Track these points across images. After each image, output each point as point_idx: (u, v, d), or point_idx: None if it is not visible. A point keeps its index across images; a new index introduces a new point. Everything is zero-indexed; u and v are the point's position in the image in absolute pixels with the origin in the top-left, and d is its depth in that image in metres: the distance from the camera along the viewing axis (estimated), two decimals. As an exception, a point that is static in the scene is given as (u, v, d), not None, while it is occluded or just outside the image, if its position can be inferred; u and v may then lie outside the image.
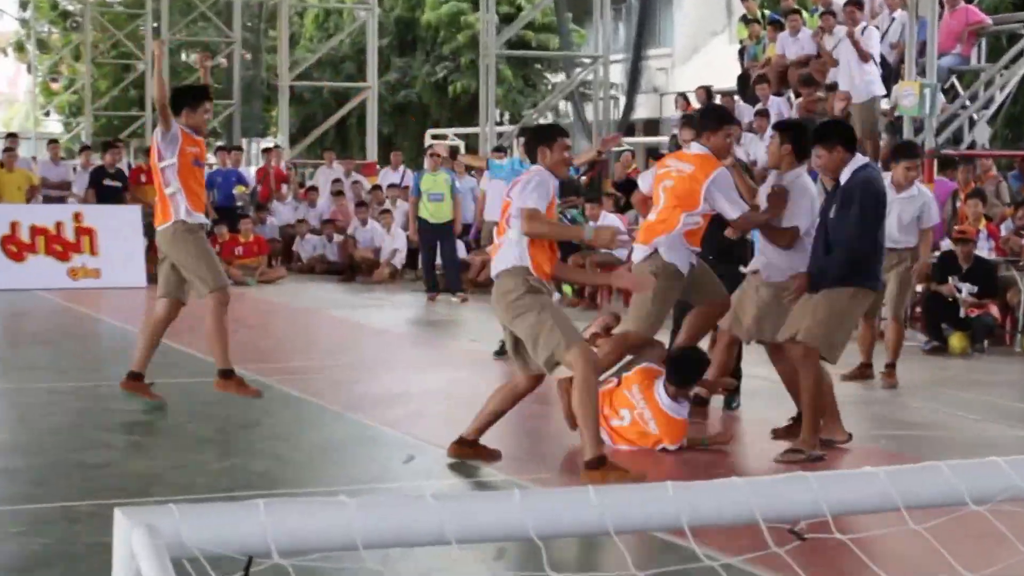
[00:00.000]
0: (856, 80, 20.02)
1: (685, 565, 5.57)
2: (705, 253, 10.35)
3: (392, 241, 24.94)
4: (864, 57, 19.76)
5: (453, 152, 28.85)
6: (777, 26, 23.96)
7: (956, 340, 15.37)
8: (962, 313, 15.57)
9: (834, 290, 9.22)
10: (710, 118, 10.23)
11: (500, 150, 24.62)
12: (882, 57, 20.73)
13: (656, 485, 2.60)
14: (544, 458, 9.62)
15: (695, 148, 10.04)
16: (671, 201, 9.84)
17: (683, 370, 9.76)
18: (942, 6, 19.67)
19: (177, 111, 10.94)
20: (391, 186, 26.94)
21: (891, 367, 12.88)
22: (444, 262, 21.55)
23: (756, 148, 21.75)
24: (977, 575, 2.64)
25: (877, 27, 21.51)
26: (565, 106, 39.85)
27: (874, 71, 20.03)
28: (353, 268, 25.12)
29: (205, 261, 10.92)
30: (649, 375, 9.87)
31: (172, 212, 10.94)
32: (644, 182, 10.62)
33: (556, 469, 9.21)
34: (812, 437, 9.18)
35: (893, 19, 21.38)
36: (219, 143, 35.64)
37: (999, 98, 19.51)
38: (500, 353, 13.26)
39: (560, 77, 40.31)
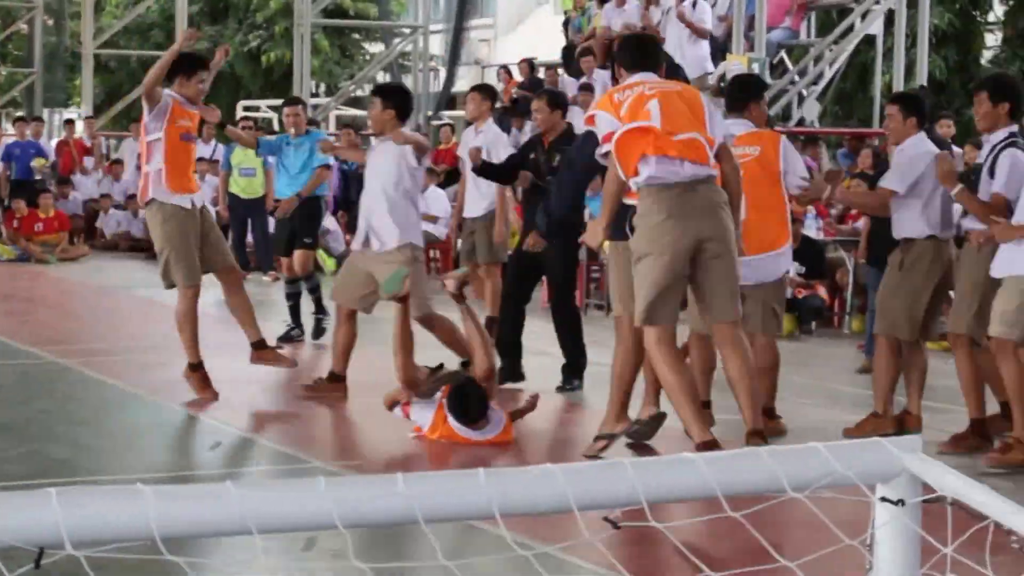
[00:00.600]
0: (687, 55, 20.23)
1: (499, 554, 5.60)
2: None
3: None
4: (701, 34, 19.99)
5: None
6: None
7: (783, 322, 15.62)
8: (789, 294, 15.84)
9: None
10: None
11: (313, 123, 24.49)
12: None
13: (468, 472, 2.59)
14: (358, 445, 9.59)
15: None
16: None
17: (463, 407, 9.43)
18: (771, -21, 19.98)
19: (170, 79, 10.70)
20: (200, 160, 26.59)
21: None
22: (255, 239, 21.39)
23: (580, 122, 21.90)
24: (795, 562, 2.68)
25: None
26: (384, 77, 39.74)
27: (706, 46, 20.28)
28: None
29: (175, 254, 10.70)
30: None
31: (150, 191, 10.70)
32: None
33: (369, 456, 9.19)
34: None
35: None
36: (18, 114, 34.89)
37: (828, 74, 19.88)
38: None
39: (379, 47, 40.14)
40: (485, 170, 12.50)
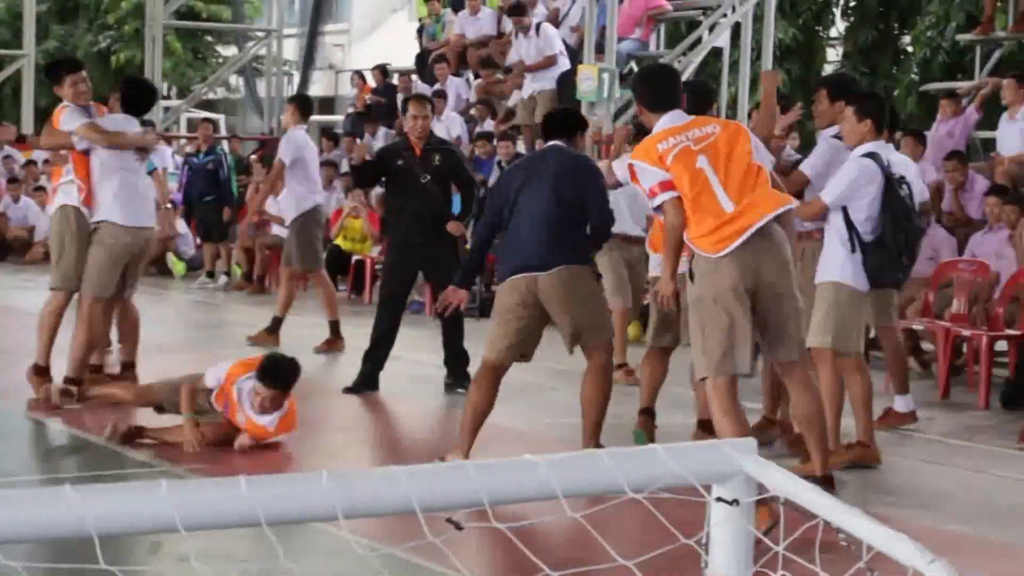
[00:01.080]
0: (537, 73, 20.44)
1: (344, 556, 5.61)
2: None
3: (47, 219, 24.26)
4: (549, 62, 20.24)
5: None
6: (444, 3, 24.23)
7: (630, 328, 15.72)
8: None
9: None
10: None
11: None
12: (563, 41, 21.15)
13: (312, 474, 2.60)
14: (207, 449, 9.50)
15: None
16: None
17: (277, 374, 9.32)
18: (622, -10, 20.16)
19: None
20: (46, 162, 26.21)
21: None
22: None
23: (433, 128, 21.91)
24: (633, 561, 2.71)
25: (559, 8, 21.93)
26: (237, 81, 39.46)
27: (563, 60, 20.44)
28: (4, 247, 24.38)
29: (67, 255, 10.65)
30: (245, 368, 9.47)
31: (61, 196, 10.75)
32: None
33: (216, 460, 9.11)
34: None
35: (574, 1, 21.79)
36: None
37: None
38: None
39: (232, 51, 39.82)
40: (356, 171, 12.58)
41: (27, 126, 30.04)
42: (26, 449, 9.45)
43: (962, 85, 18.19)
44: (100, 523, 2.45)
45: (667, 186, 7.71)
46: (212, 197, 20.76)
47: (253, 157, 24.66)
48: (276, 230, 20.63)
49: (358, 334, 15.64)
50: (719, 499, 2.69)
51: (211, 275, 20.65)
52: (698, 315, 7.71)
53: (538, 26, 20.86)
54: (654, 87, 8.14)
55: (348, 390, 11.80)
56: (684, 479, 2.66)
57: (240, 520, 2.55)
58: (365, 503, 2.64)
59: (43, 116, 38.45)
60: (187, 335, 16.16)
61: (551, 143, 9.25)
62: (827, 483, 7.97)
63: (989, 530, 7.92)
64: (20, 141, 27.47)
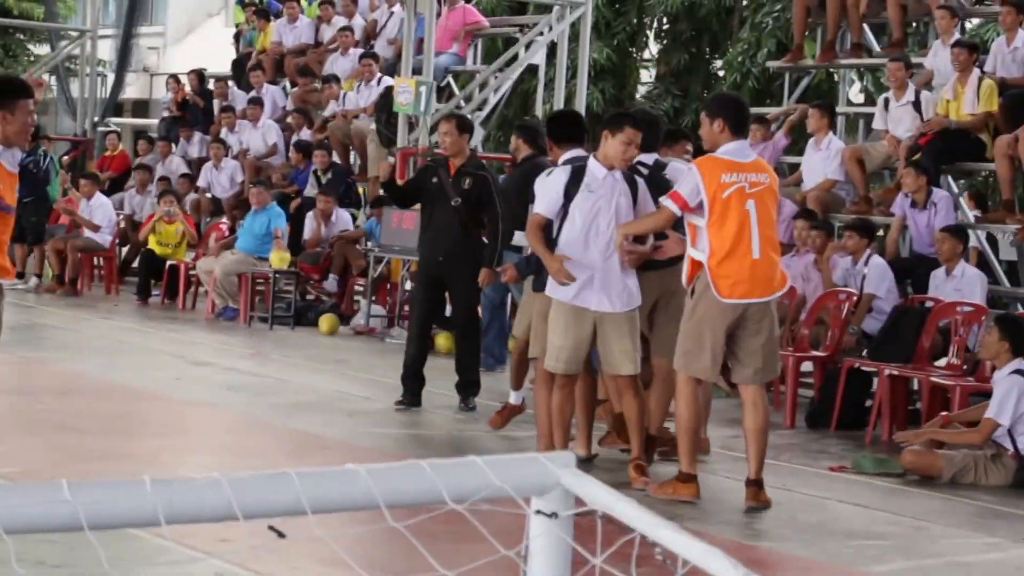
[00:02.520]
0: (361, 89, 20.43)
1: (166, 564, 5.55)
2: None
3: None
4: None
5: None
6: (263, 15, 24.06)
7: (442, 339, 15.78)
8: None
9: None
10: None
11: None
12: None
13: (135, 481, 2.58)
14: (10, 453, 9.33)
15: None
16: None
17: None
18: (440, 4, 20.21)
19: None
20: None
21: None
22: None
23: (249, 136, 21.77)
24: (454, 572, 2.74)
25: (376, 20, 21.94)
26: (50, 80, 38.70)
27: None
28: None
29: None
30: None
31: None
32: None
33: (38, 463, 8.95)
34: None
35: (392, 13, 21.80)
36: None
37: (493, 100, 20.17)
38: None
39: (45, 49, 39.09)
40: (389, 187, 12.03)
41: None
42: None
43: (771, 111, 18.54)
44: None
45: (684, 206, 8.59)
46: (31, 198, 20.14)
47: (65, 158, 24.28)
48: (88, 233, 20.35)
49: (171, 339, 15.50)
50: (538, 511, 2.72)
51: (21, 276, 20.20)
52: (691, 323, 8.78)
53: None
54: (737, 112, 8.97)
55: (400, 404, 11.76)
56: (503, 491, 2.69)
57: (62, 525, 2.52)
58: (187, 509, 2.63)
59: None
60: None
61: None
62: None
63: (794, 546, 8.10)
64: None
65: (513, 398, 10.98)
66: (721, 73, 28.65)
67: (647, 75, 30.81)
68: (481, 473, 2.71)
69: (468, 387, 11.86)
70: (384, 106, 19.10)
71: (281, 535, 2.75)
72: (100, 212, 20.50)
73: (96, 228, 20.30)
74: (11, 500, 2.52)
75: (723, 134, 8.82)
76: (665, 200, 8.70)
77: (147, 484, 2.59)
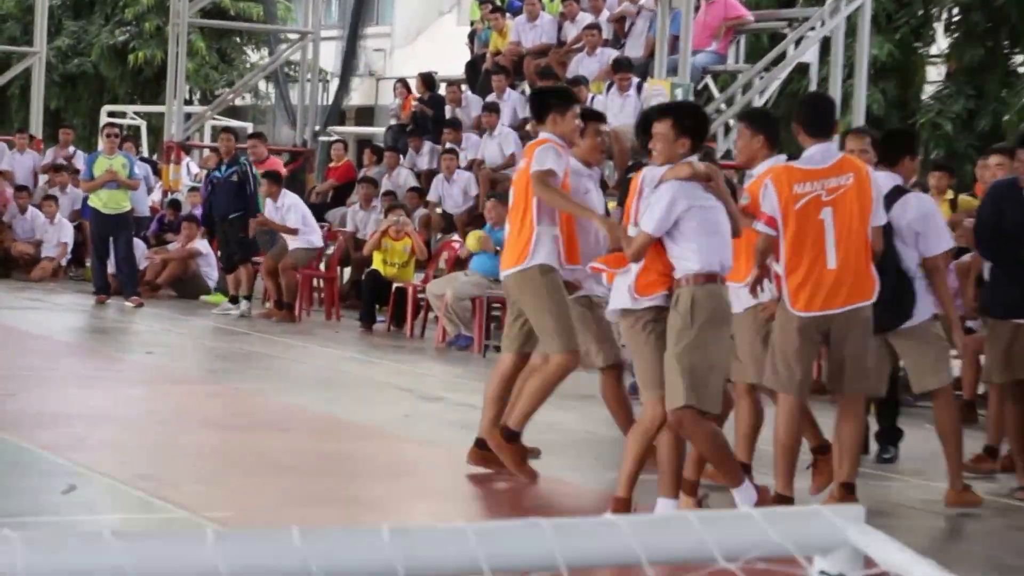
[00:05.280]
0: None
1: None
2: None
3: (56, 233, 24.48)
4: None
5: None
6: (500, 12, 24.14)
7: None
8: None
9: None
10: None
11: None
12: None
13: (371, 530, 2.61)
14: (227, 496, 9.55)
15: None
16: None
17: None
18: (698, -3, 20.15)
19: None
20: (59, 168, 26.44)
21: None
22: (117, 259, 21.18)
23: (486, 148, 21.88)
24: (725, 638, 2.72)
25: (625, 16, 21.96)
26: (267, 87, 39.60)
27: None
28: (8, 263, 24.56)
29: None
30: None
31: None
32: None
33: (255, 507, 9.14)
34: None
35: (642, 8, 21.78)
36: None
37: (758, 103, 20.04)
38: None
39: (262, 54, 40.04)
40: None
41: (36, 130, 30.18)
42: (39, 486, 9.48)
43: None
44: (140, 574, 2.47)
45: (772, 224, 9.04)
46: (238, 213, 20.49)
47: (284, 171, 24.71)
48: (294, 243, 20.33)
49: (398, 371, 15.72)
50: (822, 572, 2.69)
51: (234, 301, 20.57)
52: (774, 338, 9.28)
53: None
54: (814, 112, 9.46)
55: None
56: (783, 548, 2.66)
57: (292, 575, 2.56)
58: (429, 561, 2.65)
59: (54, 119, 38.72)
60: (208, 365, 16.22)
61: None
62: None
63: None
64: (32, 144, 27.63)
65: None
66: (1022, 70, 28.04)
67: (935, 73, 30.31)
68: (757, 527, 2.69)
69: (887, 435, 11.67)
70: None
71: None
72: (292, 214, 20.52)
73: (293, 231, 20.32)
74: (235, 548, 2.56)
75: (800, 136, 9.31)
76: (759, 226, 9.10)
77: (384, 533, 2.62)
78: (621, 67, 20.42)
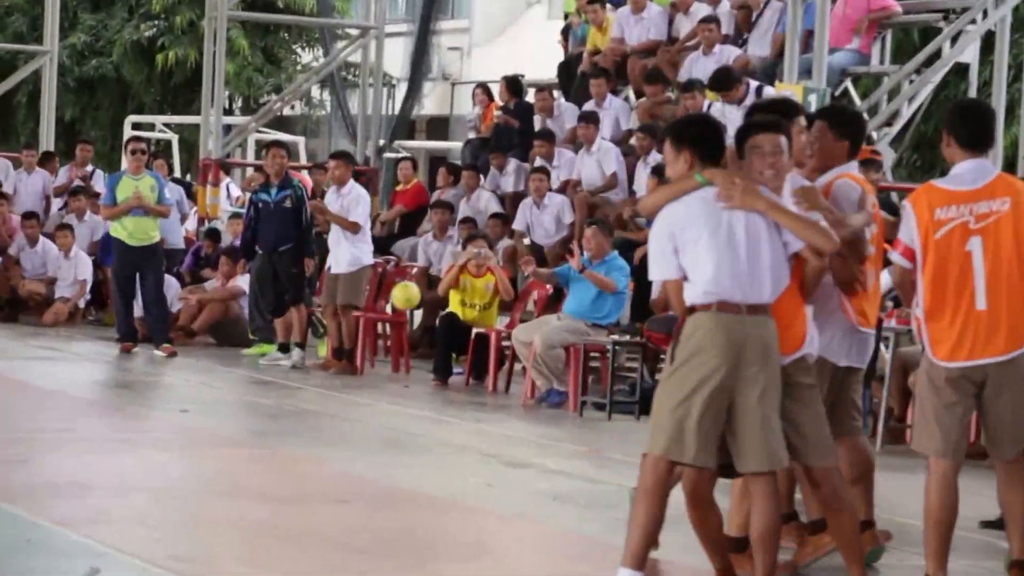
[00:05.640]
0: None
1: None
2: None
3: (72, 269, 24.59)
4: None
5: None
6: (600, 4, 24.05)
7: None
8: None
9: None
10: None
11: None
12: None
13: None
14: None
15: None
16: None
17: None
18: (836, -14, 20.15)
19: None
20: (75, 192, 26.60)
21: None
22: (145, 300, 21.22)
23: (582, 166, 21.89)
24: None
25: (750, 8, 21.95)
26: (321, 93, 39.78)
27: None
28: (17, 305, 24.76)
29: None
30: None
31: None
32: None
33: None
34: None
35: (767, 2, 21.71)
36: None
37: (907, 112, 20.04)
38: None
39: (316, 53, 40.17)
40: None
41: (47, 143, 30.19)
42: (54, 568, 9.63)
43: None
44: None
45: (909, 256, 9.10)
46: (289, 245, 20.24)
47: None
48: (348, 266, 20.00)
49: (478, 431, 15.81)
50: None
51: (284, 349, 20.44)
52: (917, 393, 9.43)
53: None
54: (969, 121, 9.29)
55: None
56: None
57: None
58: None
59: (68, 132, 38.99)
60: (252, 425, 16.30)
61: None
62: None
63: None
64: (43, 163, 27.67)
65: None
66: None
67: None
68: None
69: None
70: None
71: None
72: (360, 207, 20.08)
73: (354, 228, 19.89)
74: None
75: (949, 149, 9.25)
76: (893, 256, 9.20)
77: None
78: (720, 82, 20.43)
